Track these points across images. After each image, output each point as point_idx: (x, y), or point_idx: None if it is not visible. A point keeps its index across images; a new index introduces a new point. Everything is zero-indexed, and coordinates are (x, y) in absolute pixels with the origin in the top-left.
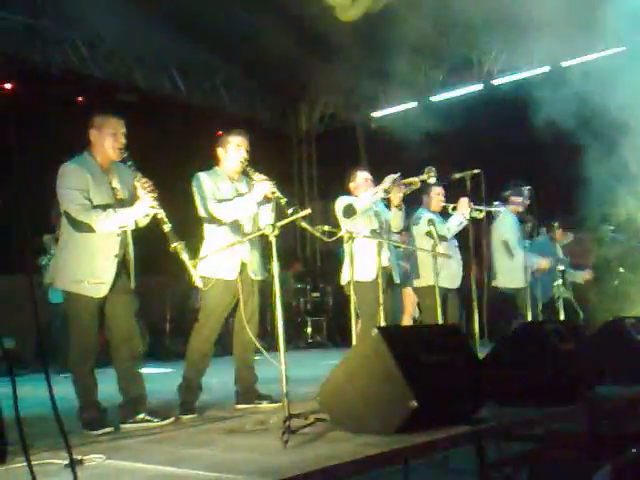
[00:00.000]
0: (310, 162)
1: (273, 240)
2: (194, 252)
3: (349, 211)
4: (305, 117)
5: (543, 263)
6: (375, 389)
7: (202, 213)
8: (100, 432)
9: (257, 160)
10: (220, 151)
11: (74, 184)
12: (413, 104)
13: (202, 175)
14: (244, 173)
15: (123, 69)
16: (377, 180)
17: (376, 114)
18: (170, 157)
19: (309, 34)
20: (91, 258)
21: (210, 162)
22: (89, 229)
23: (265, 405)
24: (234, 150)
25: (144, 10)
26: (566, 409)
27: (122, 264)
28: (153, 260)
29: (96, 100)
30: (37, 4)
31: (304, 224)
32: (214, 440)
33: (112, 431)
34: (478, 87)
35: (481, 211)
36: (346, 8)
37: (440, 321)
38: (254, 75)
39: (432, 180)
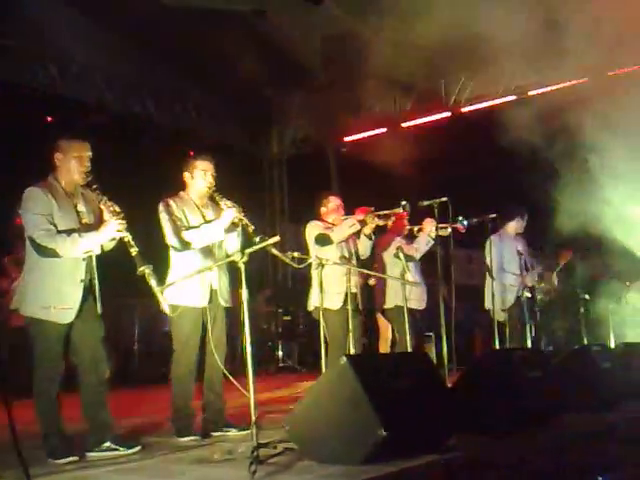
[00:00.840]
0: (281, 186)
1: (242, 267)
2: (162, 277)
3: (324, 240)
4: (276, 141)
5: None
6: (343, 418)
7: (170, 240)
8: (64, 461)
9: (227, 184)
10: (186, 175)
11: (38, 209)
12: (383, 130)
13: (168, 201)
14: (210, 199)
15: (94, 90)
16: (348, 205)
17: (347, 139)
18: (140, 180)
19: (280, 59)
20: (57, 283)
21: (179, 185)
22: (54, 254)
23: (233, 433)
24: (200, 175)
25: (115, 32)
26: (534, 437)
27: (88, 289)
28: (122, 282)
29: (66, 121)
30: (6, 24)
31: (274, 250)
32: (182, 471)
33: (77, 460)
34: (446, 114)
35: (446, 228)
36: None
37: (408, 342)
38: (225, 98)
39: (405, 213)
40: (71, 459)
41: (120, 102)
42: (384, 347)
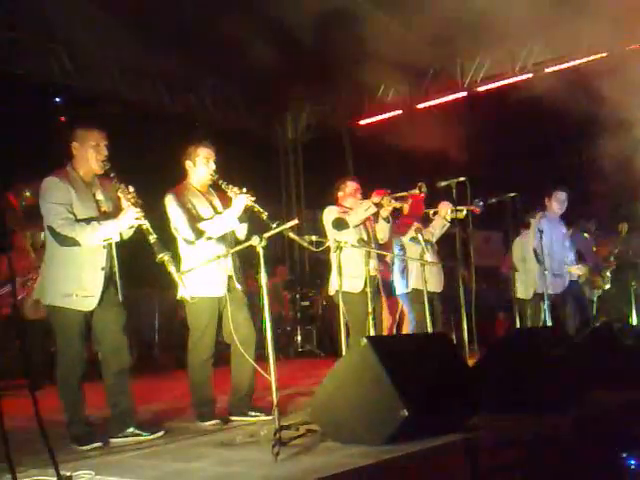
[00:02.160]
0: (297, 171)
1: (261, 251)
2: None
3: (340, 224)
4: (291, 126)
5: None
6: (365, 399)
7: (184, 232)
8: (88, 447)
9: (243, 170)
10: (188, 164)
11: (57, 198)
12: (398, 112)
13: (177, 192)
14: (212, 186)
15: (106, 80)
16: (365, 189)
17: (363, 122)
18: (154, 168)
19: (294, 44)
20: (78, 271)
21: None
22: (74, 243)
23: (259, 418)
24: (203, 163)
25: (128, 21)
26: (557, 416)
27: (109, 277)
28: (140, 272)
29: (78, 111)
30: (18, 15)
31: (291, 234)
32: (205, 454)
33: (101, 446)
34: (462, 94)
35: (462, 211)
36: None
37: (429, 324)
38: (239, 84)
39: (422, 195)
40: (95, 445)
41: (133, 90)
42: (407, 329)
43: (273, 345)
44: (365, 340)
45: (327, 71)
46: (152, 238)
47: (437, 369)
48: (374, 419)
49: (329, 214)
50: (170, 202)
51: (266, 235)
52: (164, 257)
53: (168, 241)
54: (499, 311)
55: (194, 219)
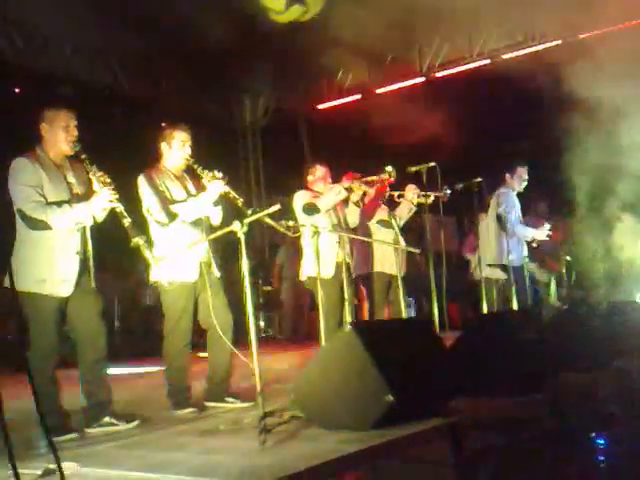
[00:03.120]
0: (255, 156)
1: (242, 237)
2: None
3: (311, 209)
4: (249, 110)
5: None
6: (350, 385)
7: (156, 215)
8: (64, 438)
9: (201, 154)
10: (163, 146)
11: (28, 180)
12: (357, 97)
13: (150, 174)
14: (186, 170)
15: (61, 61)
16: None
17: (321, 106)
18: (111, 151)
19: (252, 27)
20: (51, 256)
21: (153, 156)
22: (45, 226)
23: (236, 404)
24: (178, 146)
25: (82, 1)
26: (532, 398)
27: (84, 262)
28: (101, 256)
29: (33, 92)
30: None
31: (267, 220)
32: (188, 443)
33: (77, 437)
34: (420, 80)
35: (428, 196)
36: (279, 12)
37: (403, 308)
38: (196, 68)
39: (392, 179)
40: (71, 436)
41: (88, 72)
42: (365, 314)
43: (256, 331)
44: (349, 327)
45: (285, 54)
46: (126, 222)
47: (418, 354)
48: (359, 405)
49: (299, 198)
50: (143, 183)
51: (247, 220)
52: (139, 241)
53: (140, 224)
54: (455, 295)
55: (167, 201)
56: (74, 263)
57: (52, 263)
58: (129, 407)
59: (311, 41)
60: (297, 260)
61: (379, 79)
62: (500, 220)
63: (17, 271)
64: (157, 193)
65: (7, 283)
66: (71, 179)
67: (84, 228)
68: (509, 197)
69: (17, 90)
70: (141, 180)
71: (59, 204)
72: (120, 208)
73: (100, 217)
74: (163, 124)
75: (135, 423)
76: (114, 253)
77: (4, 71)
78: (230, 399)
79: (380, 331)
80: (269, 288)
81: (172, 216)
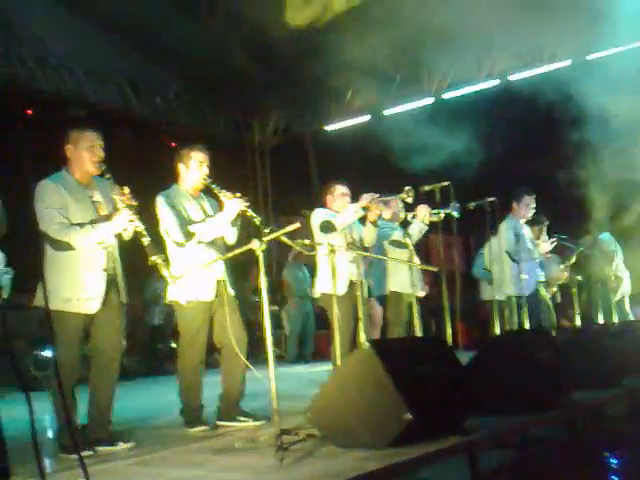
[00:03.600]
0: (264, 175)
1: (261, 255)
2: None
3: (327, 227)
4: (258, 130)
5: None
6: (368, 402)
7: (174, 235)
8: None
9: (210, 174)
10: (181, 167)
11: (51, 202)
12: (366, 117)
13: (168, 194)
14: (203, 190)
15: (72, 83)
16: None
17: (329, 127)
18: (122, 172)
19: (261, 47)
20: (77, 275)
21: (163, 177)
22: (69, 247)
23: (249, 423)
24: (196, 166)
25: (94, 24)
26: (546, 416)
27: (113, 278)
28: None
29: (45, 115)
30: None
31: (284, 238)
32: (203, 460)
33: (91, 454)
34: (429, 101)
35: (439, 213)
36: (297, 9)
37: (418, 326)
38: (206, 89)
39: (410, 200)
40: (86, 453)
41: (100, 94)
42: (376, 333)
43: (272, 348)
44: (367, 343)
45: (295, 76)
46: (145, 241)
47: (435, 371)
48: (377, 423)
49: (316, 217)
50: (161, 204)
51: (266, 239)
52: (157, 260)
53: (157, 244)
54: (461, 315)
55: (185, 221)
56: (100, 280)
57: (78, 282)
58: (139, 425)
59: (320, 63)
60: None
61: (388, 100)
62: (509, 254)
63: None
64: (175, 213)
65: (37, 302)
66: (98, 198)
67: (113, 245)
68: (510, 231)
69: (29, 112)
70: (159, 201)
71: (82, 225)
72: (140, 227)
73: (126, 235)
74: (173, 144)
75: (131, 444)
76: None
77: (16, 93)
78: (242, 418)
79: (398, 349)
80: (275, 307)
81: (189, 236)
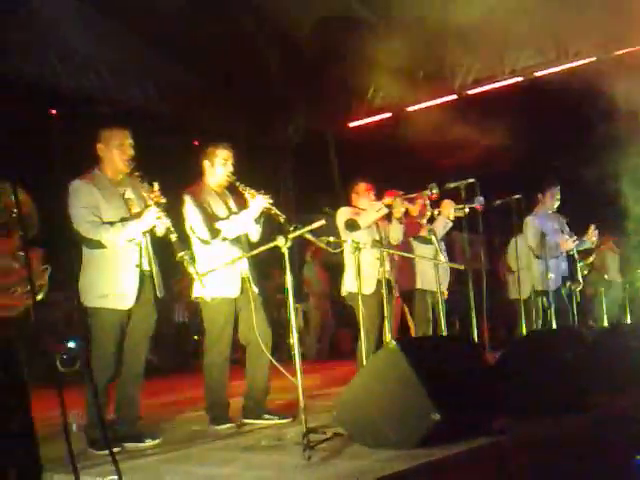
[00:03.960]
0: (287, 174)
1: (286, 252)
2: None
3: (352, 225)
4: (281, 129)
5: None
6: (394, 402)
7: (200, 232)
8: (106, 452)
9: (234, 172)
10: (206, 164)
11: (82, 202)
12: (388, 115)
13: (194, 192)
14: (228, 187)
15: (96, 81)
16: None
17: (352, 124)
18: (146, 170)
19: (284, 45)
20: (111, 272)
21: (187, 175)
22: (101, 245)
23: (274, 421)
24: (221, 164)
25: (117, 23)
26: (575, 417)
27: (147, 274)
28: None
29: (70, 112)
30: (6, 18)
31: (308, 236)
32: (232, 458)
33: (119, 451)
34: (452, 97)
35: (463, 208)
36: None
37: (443, 324)
38: (230, 87)
39: (435, 196)
40: (114, 450)
41: (123, 93)
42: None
43: (299, 346)
44: (394, 343)
45: (318, 74)
46: (173, 237)
47: (462, 371)
48: (404, 422)
49: (341, 215)
50: (187, 201)
51: (291, 236)
52: (184, 256)
53: (183, 241)
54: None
55: (210, 219)
56: (134, 277)
57: (113, 278)
58: (165, 422)
59: (342, 61)
60: (323, 276)
61: (410, 97)
62: (532, 251)
63: (84, 288)
64: (201, 211)
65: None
66: (130, 195)
67: (146, 241)
68: (536, 224)
69: (53, 112)
70: (185, 198)
71: (112, 223)
72: (168, 223)
73: (159, 232)
74: (196, 143)
75: (158, 440)
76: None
77: (41, 92)
78: (267, 416)
79: (425, 348)
80: (300, 305)
81: (215, 233)
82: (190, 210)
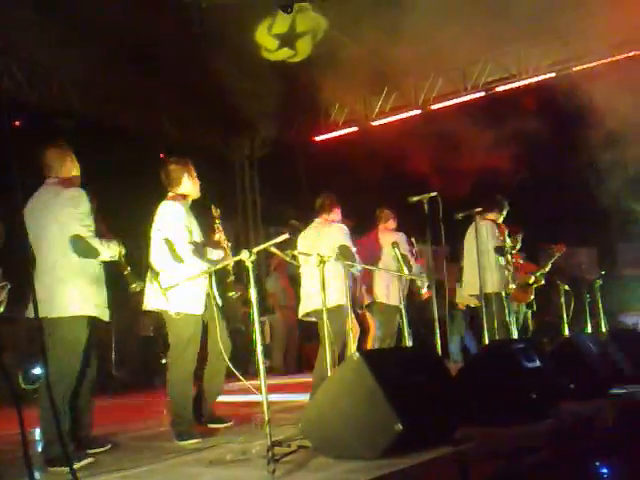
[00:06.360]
0: (253, 187)
1: (250, 266)
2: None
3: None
4: (247, 142)
5: None
6: (358, 414)
7: (181, 249)
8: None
9: (200, 186)
10: (186, 177)
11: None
12: (354, 129)
13: (179, 210)
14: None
15: (60, 94)
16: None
17: (318, 138)
18: (109, 183)
19: (248, 59)
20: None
21: (151, 187)
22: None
23: (219, 426)
24: (194, 178)
25: (81, 35)
26: (536, 426)
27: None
28: None
29: (33, 126)
30: None
31: (274, 249)
32: (199, 473)
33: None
34: (416, 112)
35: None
36: (270, 51)
37: (407, 336)
38: (195, 100)
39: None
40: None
41: (87, 105)
42: (370, 344)
43: (263, 360)
44: (357, 354)
45: (283, 88)
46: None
47: (426, 382)
48: (368, 433)
49: (346, 236)
50: (174, 214)
51: (255, 250)
52: (136, 288)
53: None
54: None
55: (191, 239)
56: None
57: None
58: (129, 438)
59: (308, 75)
60: (288, 289)
61: (375, 112)
62: (499, 251)
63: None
64: (187, 231)
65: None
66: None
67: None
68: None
69: (17, 123)
70: (172, 209)
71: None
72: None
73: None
74: (161, 155)
75: (108, 446)
76: (108, 283)
77: (4, 104)
78: (212, 424)
79: (388, 359)
80: (264, 319)
81: (194, 255)
82: (175, 224)
